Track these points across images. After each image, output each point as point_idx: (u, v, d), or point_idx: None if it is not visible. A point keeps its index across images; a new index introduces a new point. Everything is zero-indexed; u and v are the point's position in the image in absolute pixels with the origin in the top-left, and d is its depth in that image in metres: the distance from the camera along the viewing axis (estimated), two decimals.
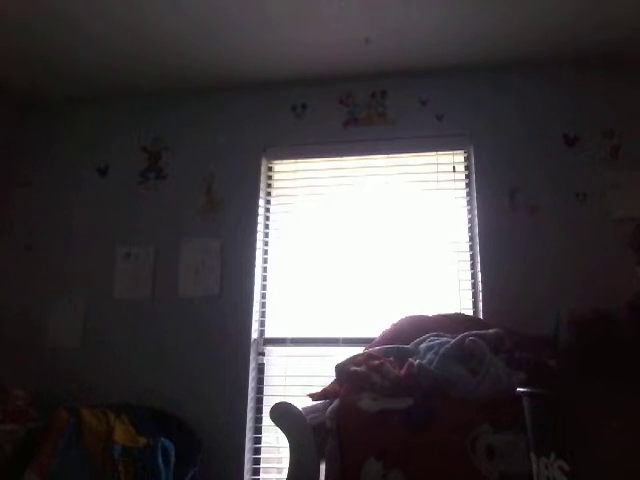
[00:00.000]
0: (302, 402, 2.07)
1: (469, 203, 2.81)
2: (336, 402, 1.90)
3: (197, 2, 2.42)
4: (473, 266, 2.71)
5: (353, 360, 2.05)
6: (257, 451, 2.68)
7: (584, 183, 2.65)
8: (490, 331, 1.99)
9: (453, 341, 1.97)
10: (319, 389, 2.22)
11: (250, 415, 2.66)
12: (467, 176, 2.84)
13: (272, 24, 2.57)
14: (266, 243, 2.95)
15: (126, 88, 3.11)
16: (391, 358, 2.02)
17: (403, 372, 1.88)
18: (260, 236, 2.90)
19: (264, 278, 2.90)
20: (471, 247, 2.75)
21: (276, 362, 2.81)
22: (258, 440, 2.69)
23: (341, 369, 2.03)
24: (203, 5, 2.44)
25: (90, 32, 2.63)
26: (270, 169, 3.05)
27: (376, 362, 1.96)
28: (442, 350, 1.93)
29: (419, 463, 1.60)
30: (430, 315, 2.43)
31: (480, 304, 2.63)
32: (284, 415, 1.93)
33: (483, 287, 2.61)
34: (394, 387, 1.84)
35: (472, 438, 1.60)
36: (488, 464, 1.55)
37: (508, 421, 1.59)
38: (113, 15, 2.50)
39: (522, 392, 1.37)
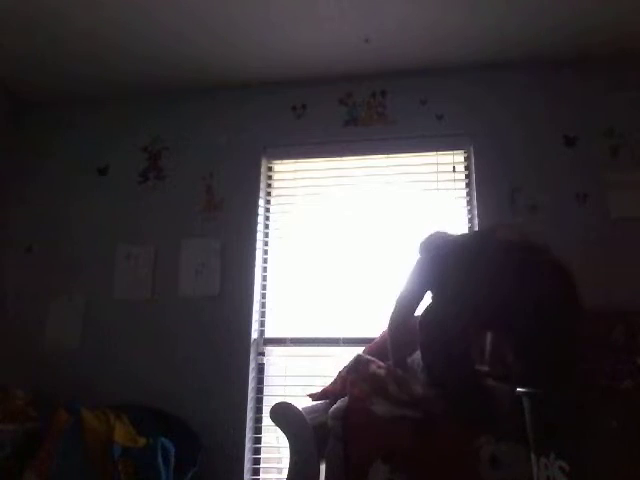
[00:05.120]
0: (302, 402, 2.07)
1: (469, 203, 2.80)
2: (341, 403, 1.87)
3: (197, 2, 2.42)
4: None
5: (376, 362, 1.98)
6: (257, 451, 2.68)
7: (584, 183, 2.65)
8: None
9: None
10: (319, 389, 2.22)
11: (250, 415, 2.66)
12: (467, 176, 2.84)
13: (272, 24, 2.57)
14: (266, 243, 2.95)
15: (126, 88, 3.11)
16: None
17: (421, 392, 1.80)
18: (260, 236, 2.90)
19: (264, 278, 2.90)
20: None
21: (276, 362, 2.81)
22: (258, 440, 2.69)
23: (359, 361, 1.98)
24: (203, 5, 2.44)
25: (90, 31, 2.63)
26: (270, 169, 3.05)
27: (400, 373, 1.88)
28: None
29: (425, 469, 1.59)
30: None
31: None
32: (284, 415, 1.92)
33: None
34: (410, 403, 1.76)
35: (476, 447, 1.59)
36: (492, 473, 1.54)
37: (509, 432, 1.57)
38: (113, 15, 2.51)
39: (522, 392, 1.37)
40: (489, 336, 1.81)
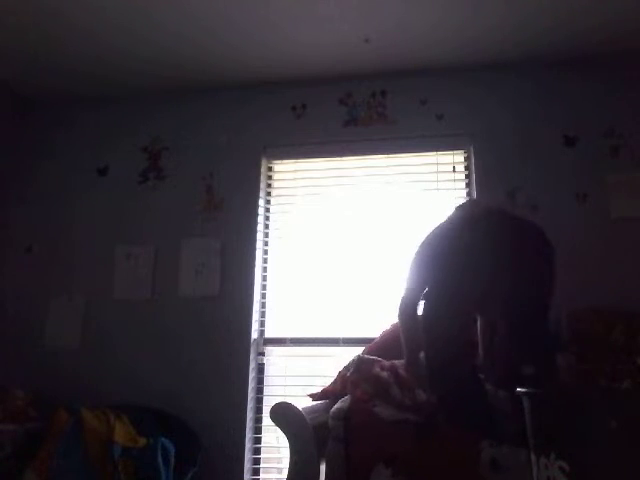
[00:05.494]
0: (302, 402, 2.07)
1: None
2: (343, 403, 1.86)
3: (197, 2, 2.42)
4: None
5: (380, 363, 1.99)
6: (257, 451, 2.68)
7: (584, 183, 2.64)
8: None
9: None
10: (319, 389, 2.22)
11: (250, 415, 2.66)
12: (467, 176, 2.84)
13: (272, 24, 2.57)
14: (266, 243, 2.95)
15: (126, 88, 3.11)
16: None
17: (424, 396, 1.81)
18: (260, 236, 2.90)
19: (264, 278, 2.90)
20: None
21: (276, 362, 2.81)
22: (258, 440, 2.69)
23: (363, 361, 1.98)
24: (203, 5, 2.44)
25: (91, 32, 2.63)
26: (270, 169, 3.05)
27: (403, 376, 1.88)
28: None
29: (427, 473, 1.59)
30: None
31: None
32: (284, 415, 1.92)
33: None
34: (412, 408, 1.77)
35: (477, 450, 1.59)
36: (493, 476, 1.54)
37: (510, 436, 1.57)
38: (114, 15, 2.50)
39: (522, 392, 1.37)
40: (484, 336, 1.82)
